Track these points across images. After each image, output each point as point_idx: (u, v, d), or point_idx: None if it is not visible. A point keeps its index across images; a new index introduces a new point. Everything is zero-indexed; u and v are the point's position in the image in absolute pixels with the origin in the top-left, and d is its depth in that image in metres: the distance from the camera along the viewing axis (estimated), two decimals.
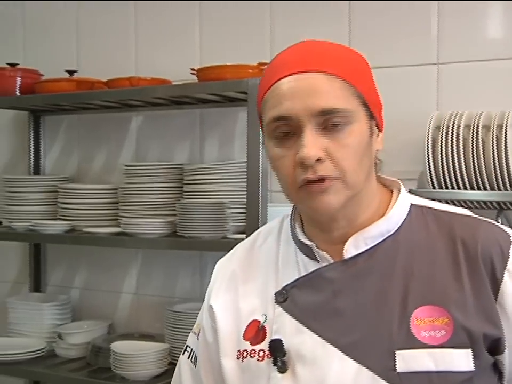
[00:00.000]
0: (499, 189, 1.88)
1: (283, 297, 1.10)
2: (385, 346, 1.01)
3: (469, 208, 2.02)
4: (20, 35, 2.91)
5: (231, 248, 2.13)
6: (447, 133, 1.94)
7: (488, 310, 1.02)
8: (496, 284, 1.03)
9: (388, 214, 1.09)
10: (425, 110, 2.08)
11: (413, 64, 2.19)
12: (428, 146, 1.95)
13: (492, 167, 1.88)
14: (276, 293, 1.12)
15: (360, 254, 1.07)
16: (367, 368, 1.01)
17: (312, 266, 1.10)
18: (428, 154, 1.95)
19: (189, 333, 2.24)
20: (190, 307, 2.33)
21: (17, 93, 2.53)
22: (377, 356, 1.01)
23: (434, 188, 1.96)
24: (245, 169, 2.05)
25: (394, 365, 1.00)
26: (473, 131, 1.91)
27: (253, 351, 1.10)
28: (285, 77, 1.02)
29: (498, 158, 1.87)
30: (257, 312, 1.13)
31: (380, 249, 1.07)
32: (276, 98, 1.03)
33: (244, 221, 2.08)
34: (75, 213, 2.46)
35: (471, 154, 1.90)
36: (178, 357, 2.25)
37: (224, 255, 2.43)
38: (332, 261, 1.09)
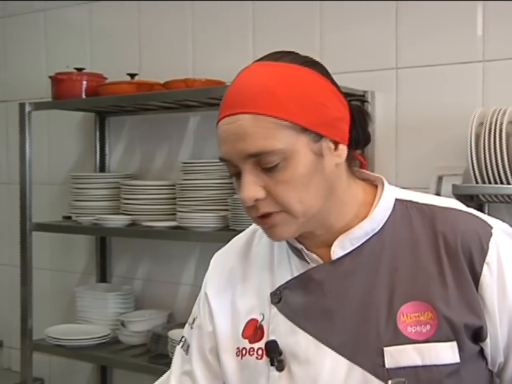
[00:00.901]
0: None
1: (277, 298, 1.12)
2: (374, 344, 1.03)
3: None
4: (86, 41, 3.05)
5: None
6: (490, 129, 1.95)
7: (470, 301, 1.03)
8: (476, 277, 1.03)
9: (371, 214, 1.08)
10: (470, 106, 2.08)
11: (458, 62, 2.20)
12: (471, 142, 1.97)
13: None
14: (271, 294, 1.13)
15: (346, 254, 1.08)
16: (357, 365, 1.03)
17: (302, 268, 1.11)
18: (471, 150, 1.97)
19: None
20: None
21: (83, 96, 2.65)
22: (366, 353, 1.03)
23: (477, 182, 1.97)
24: None
25: (383, 361, 1.01)
26: None
27: (252, 349, 1.12)
28: (222, 119, 1.03)
29: None
30: (255, 311, 1.14)
31: (365, 248, 1.08)
32: (218, 140, 1.04)
33: None
34: (136, 208, 2.56)
35: None
36: None
37: None
38: (321, 262, 1.09)
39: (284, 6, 2.52)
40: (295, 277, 1.11)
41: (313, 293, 1.08)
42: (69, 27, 3.10)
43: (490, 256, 1.04)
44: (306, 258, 1.10)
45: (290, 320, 1.09)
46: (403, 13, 2.29)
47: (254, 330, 1.13)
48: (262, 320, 1.13)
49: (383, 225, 1.09)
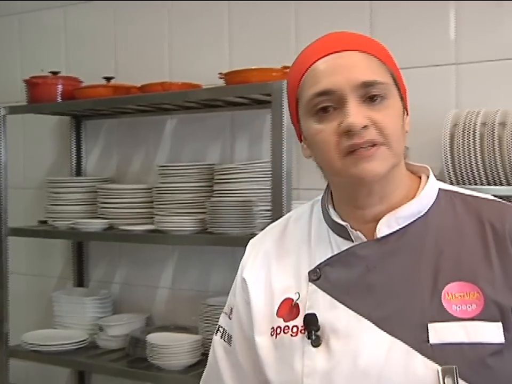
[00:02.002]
0: None
1: (317, 276, 1.12)
2: (417, 319, 1.02)
3: None
4: (62, 44, 3.02)
5: None
6: (463, 130, 1.96)
7: None
8: None
9: (418, 195, 1.11)
10: (445, 108, 2.10)
11: (432, 65, 2.21)
12: (445, 143, 1.98)
13: (508, 162, 1.89)
14: (309, 272, 1.13)
15: (391, 233, 1.09)
16: (400, 340, 1.02)
17: (345, 245, 1.12)
18: (445, 151, 1.98)
19: None
20: (223, 300, 2.38)
21: (59, 99, 2.63)
22: (410, 328, 1.02)
23: (452, 183, 1.98)
24: (271, 169, 2.10)
25: (427, 337, 1.01)
26: (489, 128, 1.93)
27: (287, 327, 1.11)
28: (322, 57, 1.06)
29: None
30: (291, 290, 1.14)
31: (410, 230, 1.09)
32: (316, 77, 1.06)
33: (270, 217, 2.14)
34: (113, 212, 2.54)
35: (487, 150, 1.93)
36: None
37: None
38: (365, 240, 1.10)
39: (260, 7, 2.51)
40: (337, 254, 1.12)
41: (356, 268, 1.09)
42: (44, 30, 3.07)
43: None
44: (351, 235, 1.11)
45: (330, 295, 1.09)
46: (377, 15, 2.30)
47: (289, 309, 1.13)
48: (298, 299, 1.13)
49: (428, 210, 1.11)
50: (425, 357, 1.00)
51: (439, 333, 1.01)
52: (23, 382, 3.11)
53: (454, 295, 1.04)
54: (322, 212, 1.19)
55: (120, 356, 2.52)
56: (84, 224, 2.55)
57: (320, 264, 1.12)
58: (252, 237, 2.15)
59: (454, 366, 0.98)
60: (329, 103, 1.04)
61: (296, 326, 1.11)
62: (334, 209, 1.16)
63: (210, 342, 2.26)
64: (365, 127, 1.02)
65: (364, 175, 1.04)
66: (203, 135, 2.64)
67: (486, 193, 1.91)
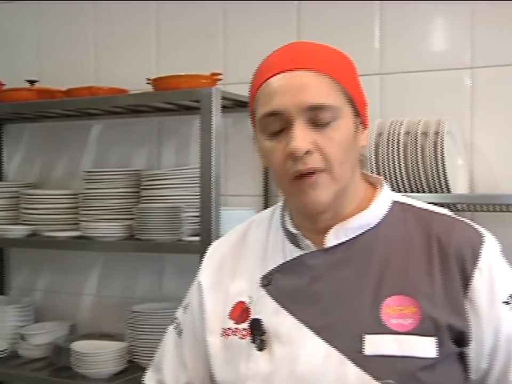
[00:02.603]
0: (436, 191, 1.94)
1: (267, 281, 1.14)
2: (355, 330, 1.04)
3: None
4: None
5: (187, 251, 2.17)
6: (388, 139, 1.99)
7: (455, 303, 1.05)
8: (466, 280, 1.05)
9: (369, 208, 1.11)
10: (370, 117, 2.12)
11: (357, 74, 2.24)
12: (370, 151, 2.01)
13: (430, 170, 1.94)
14: (261, 277, 1.15)
15: (340, 244, 1.10)
16: (336, 349, 1.03)
17: (296, 253, 1.13)
18: (371, 159, 2.01)
19: (148, 332, 2.27)
20: (150, 307, 2.36)
21: None
22: (347, 338, 1.04)
23: None
24: (199, 175, 2.08)
25: (362, 348, 1.02)
26: (412, 137, 1.97)
27: (236, 329, 1.14)
28: (276, 74, 1.05)
29: (435, 162, 1.93)
30: (244, 294, 1.16)
31: (359, 241, 1.10)
32: (267, 95, 1.05)
33: (198, 223, 2.12)
34: (37, 218, 2.45)
35: (410, 159, 1.97)
36: (138, 356, 2.30)
37: (181, 257, 2.46)
38: (314, 249, 1.11)
39: (188, 12, 2.48)
40: (288, 261, 1.14)
41: (304, 277, 1.10)
42: None
43: (482, 262, 1.06)
44: (301, 244, 1.12)
45: (277, 301, 1.11)
46: (304, 22, 2.30)
47: (240, 312, 1.15)
48: (250, 302, 1.15)
49: (379, 223, 1.11)
50: (359, 367, 1.01)
51: (374, 344, 1.02)
52: None
53: (393, 308, 1.05)
54: (280, 219, 1.21)
55: (43, 365, 2.42)
56: (5, 231, 2.45)
57: (272, 270, 1.15)
58: (179, 243, 2.16)
59: (392, 382, 0.99)
60: (279, 124, 1.05)
61: (245, 329, 1.13)
62: (290, 216, 1.17)
63: (137, 349, 2.26)
64: (308, 152, 1.02)
65: (309, 204, 1.06)
66: (130, 140, 2.59)
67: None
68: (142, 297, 2.54)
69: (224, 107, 2.10)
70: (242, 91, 2.29)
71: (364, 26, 2.23)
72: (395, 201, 1.15)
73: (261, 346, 1.09)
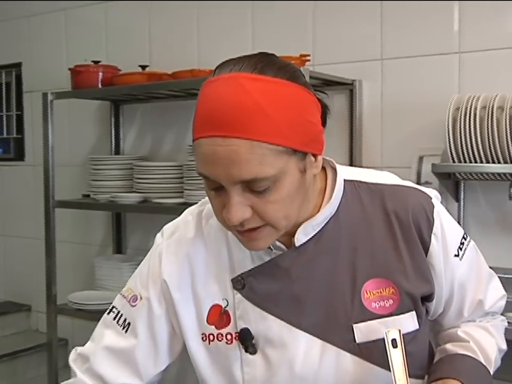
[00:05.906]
0: (511, 162, 1.87)
1: (241, 285, 1.01)
2: (343, 322, 0.98)
3: (485, 180, 2.01)
4: (102, 37, 3.02)
5: None
6: (465, 113, 1.93)
7: (422, 271, 1.01)
8: (425, 246, 1.01)
9: (331, 199, 1.00)
10: (448, 93, 2.07)
11: (437, 53, 2.17)
12: (448, 125, 1.95)
13: (505, 143, 1.86)
14: (232, 280, 1.02)
15: (309, 240, 0.99)
16: (330, 343, 0.98)
17: (265, 254, 1.01)
18: (448, 133, 1.95)
19: None
20: None
21: (99, 86, 2.63)
22: (338, 331, 0.98)
23: (454, 162, 1.96)
24: None
25: (354, 337, 0.98)
26: (488, 111, 1.89)
27: (220, 335, 1.02)
28: (208, 137, 0.85)
29: (511, 134, 1.85)
30: (217, 296, 1.03)
31: (325, 232, 1.00)
32: (200, 157, 0.87)
33: None
34: (147, 187, 2.55)
35: (486, 132, 1.89)
36: None
37: None
38: (285, 249, 1.00)
39: (279, 2, 2.48)
40: (260, 265, 1.01)
41: (281, 279, 1.00)
42: (87, 24, 3.07)
43: (436, 227, 1.01)
44: (270, 245, 0.98)
45: (259, 307, 1.00)
46: (387, 9, 2.26)
47: (219, 315, 1.03)
48: (227, 305, 1.03)
49: (338, 208, 1.01)
50: (354, 355, 0.98)
51: (363, 332, 0.98)
52: (70, 336, 3.18)
53: (372, 292, 0.99)
54: None
55: None
56: (121, 198, 2.55)
57: (243, 274, 1.01)
58: None
59: (399, 329, 0.94)
60: (215, 183, 0.88)
61: (229, 333, 1.02)
62: None
63: None
64: (244, 219, 0.88)
65: (249, 248, 0.96)
66: None
67: (483, 170, 1.91)
68: None
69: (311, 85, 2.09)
70: (329, 71, 2.28)
71: (443, 10, 2.16)
72: (346, 180, 1.03)
73: (253, 350, 1.00)
